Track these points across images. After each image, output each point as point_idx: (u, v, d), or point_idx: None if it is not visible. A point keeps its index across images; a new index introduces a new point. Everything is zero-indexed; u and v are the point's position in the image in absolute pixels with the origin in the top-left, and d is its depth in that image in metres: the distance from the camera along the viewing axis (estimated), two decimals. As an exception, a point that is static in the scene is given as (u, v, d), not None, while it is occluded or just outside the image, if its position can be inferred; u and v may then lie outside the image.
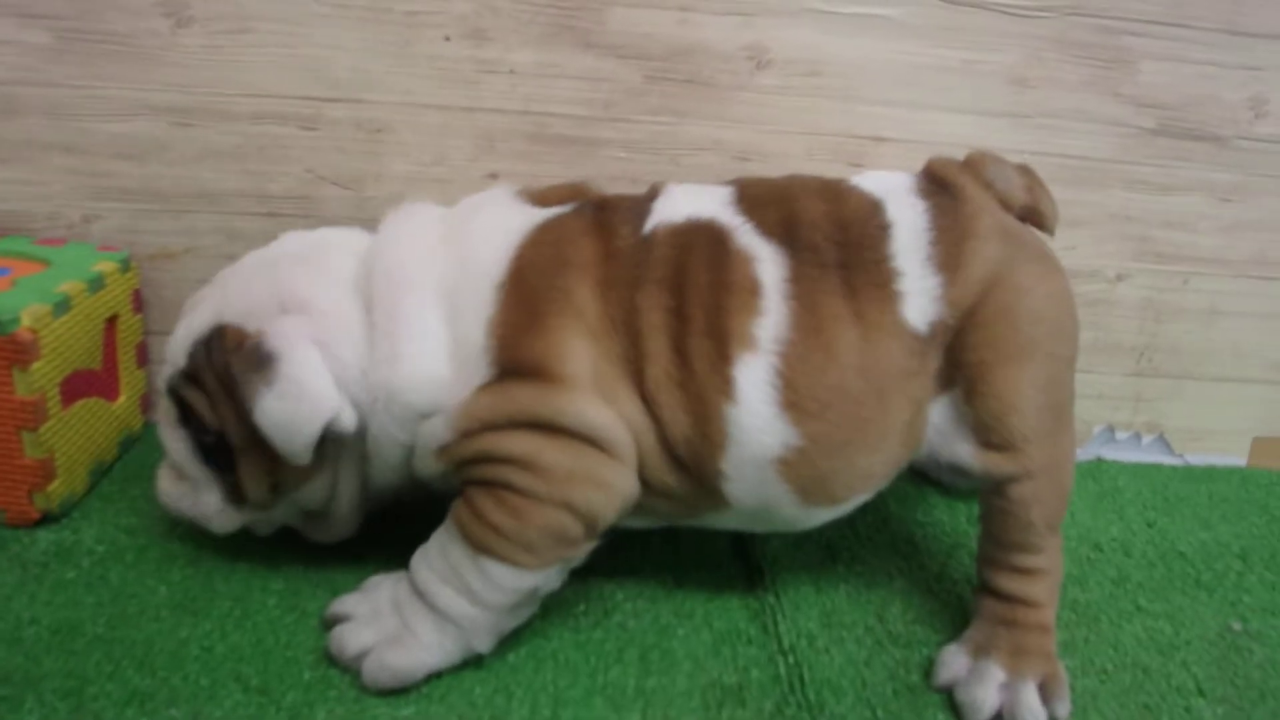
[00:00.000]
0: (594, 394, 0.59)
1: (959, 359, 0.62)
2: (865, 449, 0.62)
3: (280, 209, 0.86)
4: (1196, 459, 1.02)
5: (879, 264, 0.62)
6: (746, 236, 0.63)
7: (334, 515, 0.68)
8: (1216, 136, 0.90)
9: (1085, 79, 0.88)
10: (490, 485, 0.59)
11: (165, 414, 0.67)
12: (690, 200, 0.65)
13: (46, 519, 0.73)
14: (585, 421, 0.58)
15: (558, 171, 0.85)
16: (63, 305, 0.73)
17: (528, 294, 0.60)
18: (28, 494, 0.72)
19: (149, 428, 0.88)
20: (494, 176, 0.86)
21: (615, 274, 0.62)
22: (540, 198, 0.67)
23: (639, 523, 0.67)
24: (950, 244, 0.62)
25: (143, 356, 0.87)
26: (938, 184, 0.66)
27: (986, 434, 0.62)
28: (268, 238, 0.85)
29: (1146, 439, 1.01)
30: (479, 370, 0.59)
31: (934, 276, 0.62)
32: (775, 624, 0.68)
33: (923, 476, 0.90)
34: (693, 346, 0.60)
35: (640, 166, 0.87)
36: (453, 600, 0.60)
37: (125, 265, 0.83)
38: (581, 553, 0.62)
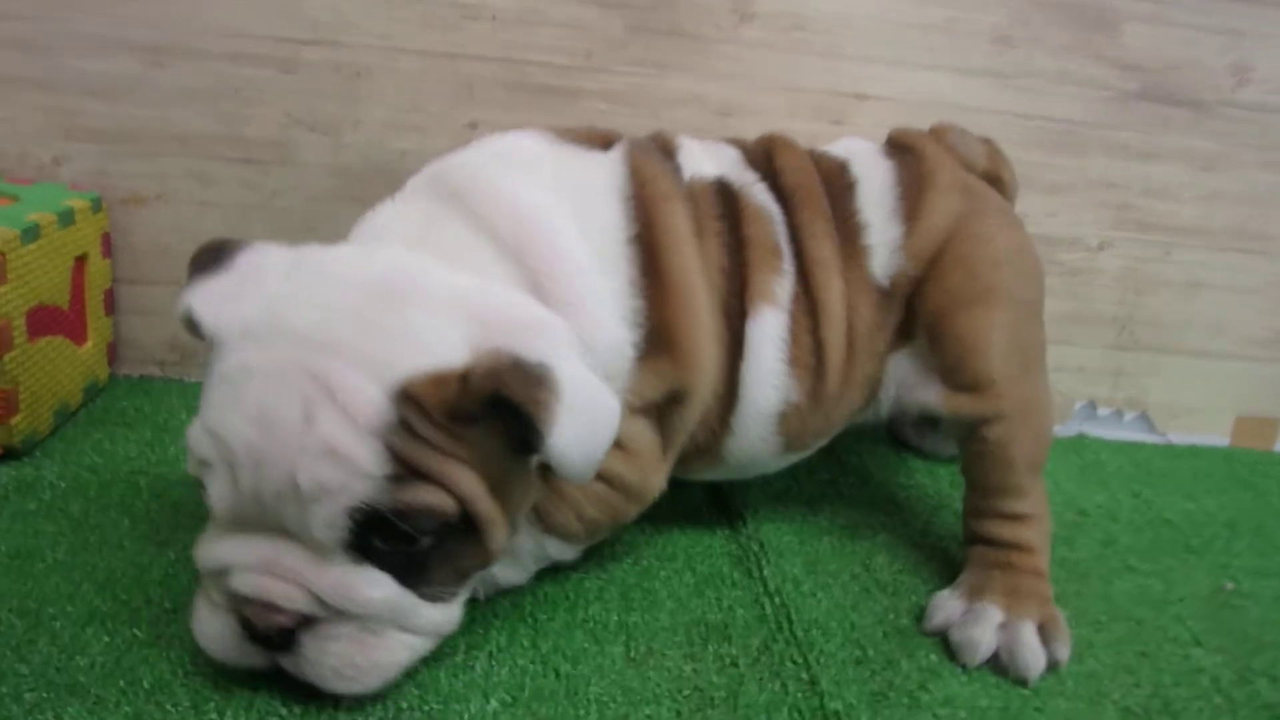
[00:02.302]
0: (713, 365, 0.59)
1: (921, 308, 0.64)
2: (841, 401, 0.64)
3: (255, 154, 0.85)
4: (1179, 437, 1.01)
5: (849, 218, 0.64)
6: (760, 195, 0.64)
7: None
8: (1198, 102, 0.90)
9: (1068, 41, 0.88)
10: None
11: (340, 567, 0.47)
12: (711, 158, 0.65)
13: (8, 455, 0.72)
14: (705, 396, 0.59)
15: (537, 122, 0.84)
16: (31, 232, 0.71)
17: (654, 249, 0.57)
18: (-12, 426, 0.70)
19: (115, 380, 0.87)
20: (473, 126, 0.85)
21: (696, 224, 0.60)
22: (584, 139, 0.62)
23: None
24: (911, 197, 0.64)
25: (110, 304, 0.86)
26: (901, 147, 0.68)
27: (953, 376, 0.63)
28: (242, 184, 0.85)
29: (1128, 416, 1.01)
30: (634, 334, 0.56)
31: (896, 228, 0.64)
32: (760, 569, 0.68)
33: (903, 444, 0.90)
34: (730, 306, 0.61)
35: (620, 120, 0.86)
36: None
37: (97, 205, 0.81)
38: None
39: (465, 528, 0.48)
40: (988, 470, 0.64)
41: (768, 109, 0.87)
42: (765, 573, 0.67)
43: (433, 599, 0.49)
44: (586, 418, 0.47)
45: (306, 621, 0.47)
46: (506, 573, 0.59)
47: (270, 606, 0.46)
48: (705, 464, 0.65)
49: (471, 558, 0.50)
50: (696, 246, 0.59)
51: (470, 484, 0.47)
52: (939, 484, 0.84)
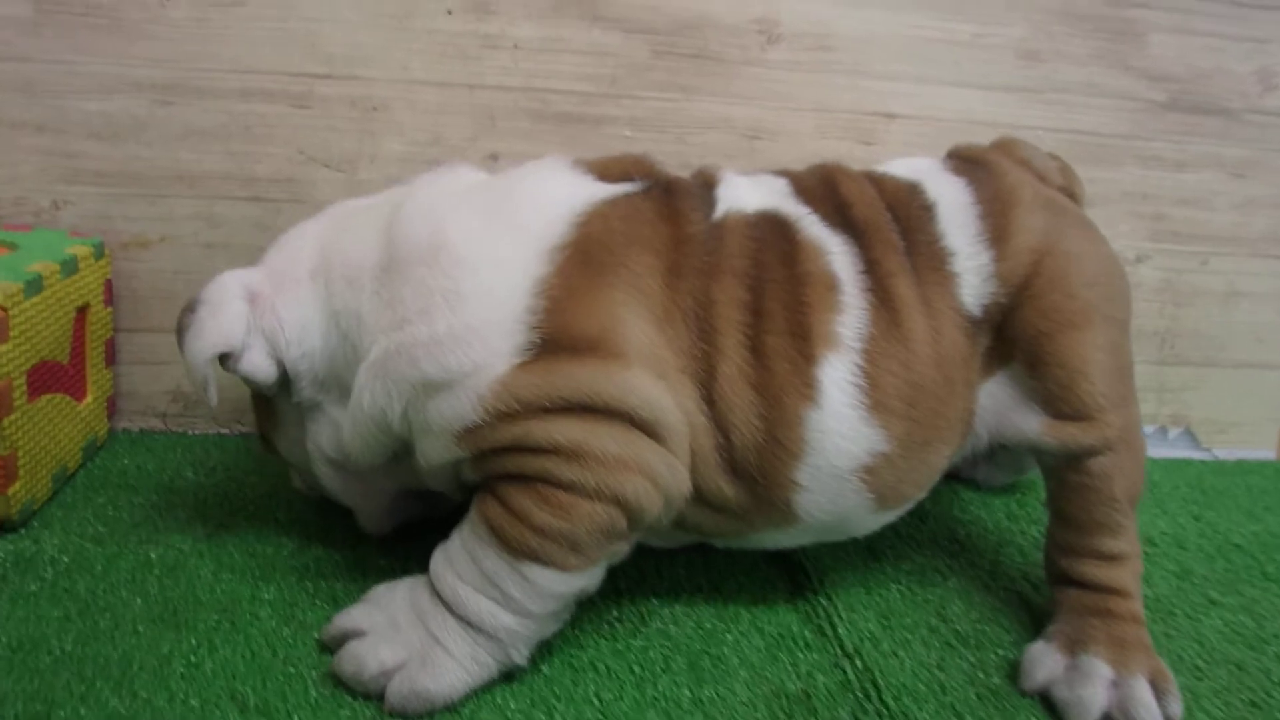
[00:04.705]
0: (653, 375, 0.53)
1: (1015, 333, 0.59)
2: (939, 443, 0.59)
3: (266, 193, 0.81)
4: (1224, 453, 0.99)
5: (931, 245, 0.59)
6: (814, 227, 0.59)
7: (325, 488, 0.64)
8: (1226, 110, 0.90)
9: (1094, 52, 0.87)
10: (528, 480, 0.51)
11: None
12: (755, 190, 0.61)
13: (4, 527, 0.65)
14: (647, 403, 0.51)
15: (561, 152, 0.82)
16: (34, 285, 0.66)
17: (589, 263, 0.53)
18: (-15, 494, 0.64)
19: (114, 435, 0.81)
20: (494, 157, 0.82)
21: (687, 262, 0.56)
22: (601, 170, 0.61)
23: (672, 541, 0.61)
24: (996, 217, 0.60)
25: (111, 355, 0.80)
26: (970, 162, 0.64)
27: (1057, 404, 0.59)
28: (251, 224, 0.81)
29: (1173, 432, 0.98)
30: (515, 338, 0.52)
31: (985, 253, 0.59)
32: (833, 626, 0.62)
33: (952, 474, 0.86)
34: (770, 345, 0.55)
35: (646, 145, 0.84)
36: (490, 611, 0.52)
37: (99, 251, 0.77)
38: (626, 549, 0.55)
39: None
40: (1088, 505, 0.59)
41: (796, 130, 0.85)
42: (840, 631, 0.62)
43: None
44: (189, 342, 0.59)
45: None
46: (504, 616, 0.53)
47: None
48: (777, 524, 0.58)
49: None
50: (664, 275, 0.55)
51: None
52: (996, 517, 0.80)
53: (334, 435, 0.59)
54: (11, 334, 0.63)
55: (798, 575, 0.68)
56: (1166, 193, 0.91)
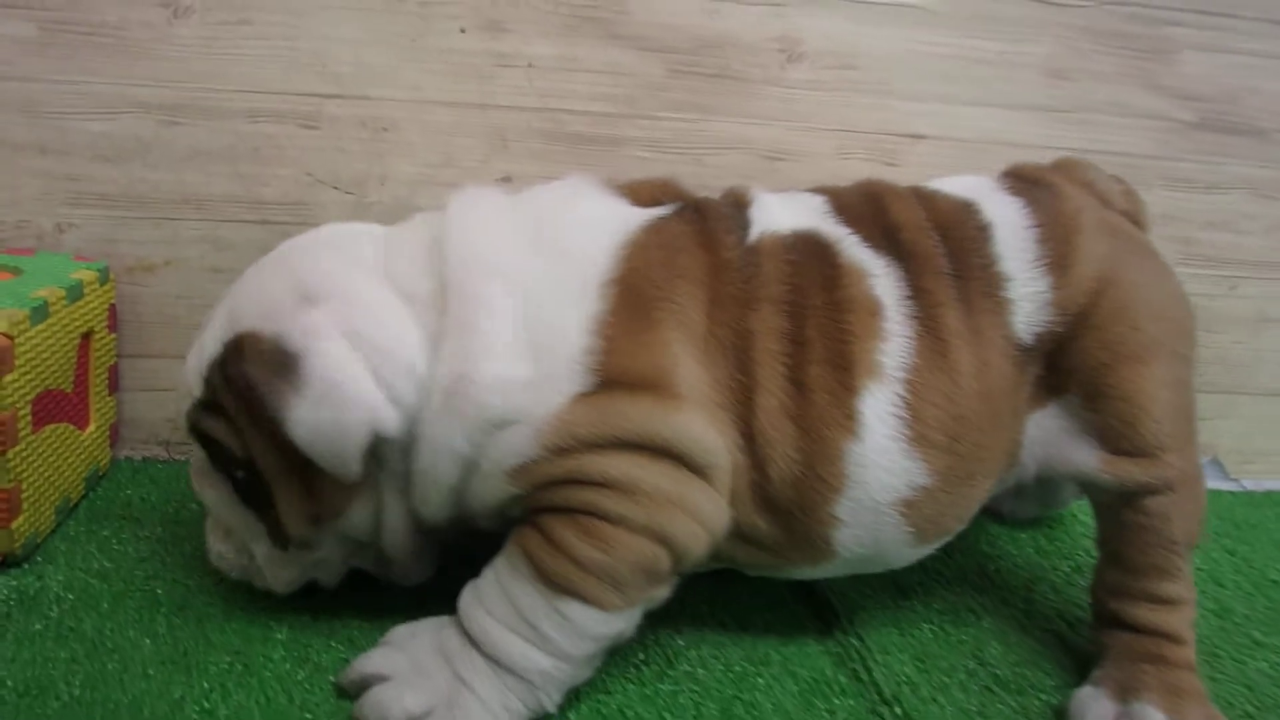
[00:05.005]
0: (705, 414, 0.52)
1: (1072, 364, 0.57)
2: (982, 476, 0.57)
3: (274, 216, 0.79)
4: (1252, 483, 0.96)
5: (985, 269, 0.57)
6: (855, 249, 0.57)
7: (388, 549, 0.58)
8: (1258, 130, 0.88)
9: (1123, 70, 0.85)
10: (573, 513, 0.50)
11: (196, 461, 0.59)
12: (790, 210, 0.59)
13: (6, 562, 0.64)
14: (700, 445, 0.51)
15: (576, 174, 0.80)
16: (40, 311, 0.65)
17: (639, 299, 0.52)
18: (-13, 529, 0.63)
19: (116, 464, 0.79)
20: (507, 179, 0.80)
21: (725, 290, 0.54)
22: (632, 194, 0.59)
23: (699, 567, 0.59)
24: (1055, 241, 0.57)
25: (114, 382, 0.78)
26: (1028, 182, 0.61)
27: (1116, 440, 0.57)
28: (258, 248, 0.78)
29: (1202, 462, 0.96)
30: (573, 375, 0.51)
31: (1042, 279, 0.57)
32: (867, 670, 0.60)
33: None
34: (811, 376, 0.53)
35: (663, 167, 0.81)
36: (523, 652, 0.50)
37: (104, 276, 0.75)
38: (665, 593, 0.54)
39: (263, 484, 0.53)
40: (1144, 546, 0.57)
41: (818, 151, 0.83)
42: (876, 675, 0.60)
43: (269, 535, 0.56)
44: (328, 413, 0.50)
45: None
46: (538, 658, 0.51)
47: None
48: (812, 559, 0.57)
49: (275, 517, 0.54)
50: (705, 306, 0.53)
51: (256, 444, 0.52)
52: (1025, 552, 0.78)
53: (417, 494, 0.55)
54: (17, 363, 0.62)
55: (825, 612, 0.66)
56: (1195, 215, 0.89)
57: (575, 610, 0.50)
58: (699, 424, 0.51)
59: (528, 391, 0.50)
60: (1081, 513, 0.82)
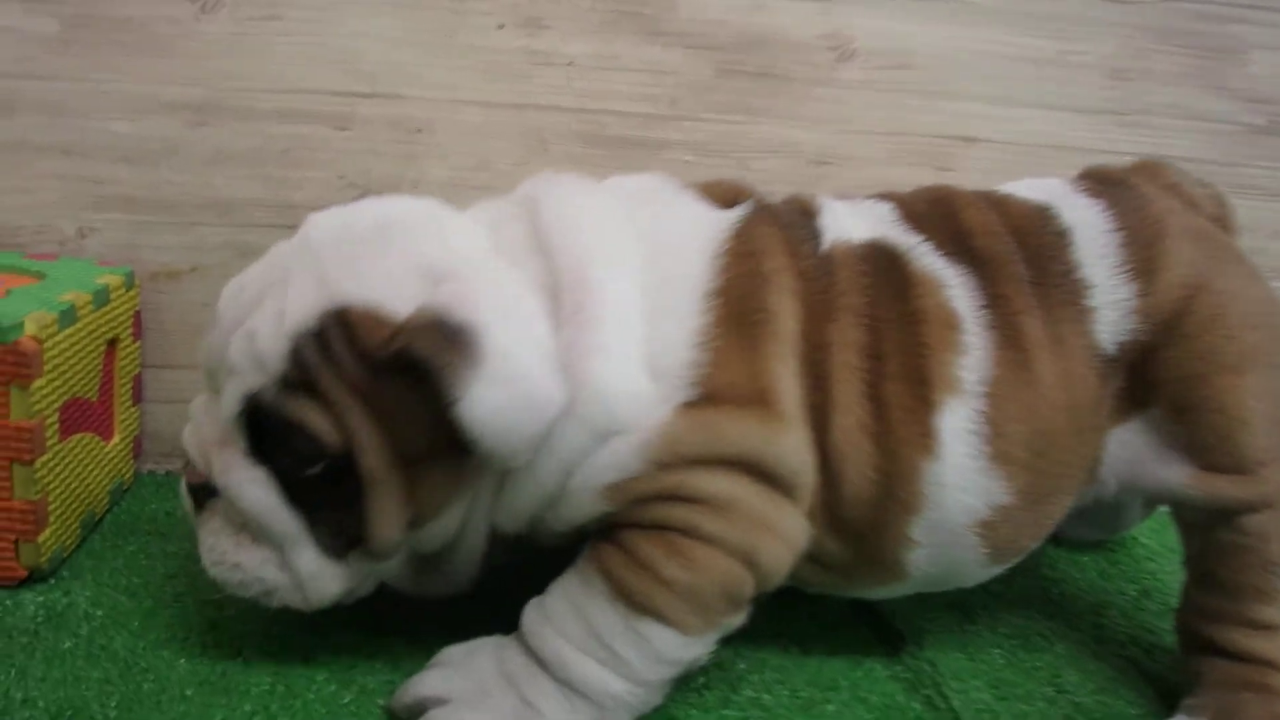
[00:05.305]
0: (805, 435, 0.50)
1: (1159, 375, 0.54)
2: (1061, 494, 0.55)
3: (303, 221, 0.76)
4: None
5: (1065, 276, 0.54)
6: (927, 258, 0.54)
7: (455, 557, 0.53)
8: (1329, 135, 0.84)
9: (1188, 71, 0.81)
10: (662, 530, 0.48)
11: (227, 453, 0.50)
12: (858, 217, 0.57)
13: (33, 577, 0.62)
14: (801, 468, 0.49)
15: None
16: (69, 315, 0.62)
17: (739, 309, 0.50)
18: (13, 545, 0.60)
19: (139, 478, 0.77)
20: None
21: (808, 300, 0.52)
22: (710, 195, 0.57)
23: None
24: (1141, 246, 0.55)
25: (138, 393, 0.76)
26: (1108, 184, 0.59)
27: (1209, 455, 0.54)
28: (288, 253, 0.76)
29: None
30: (679, 387, 0.48)
31: (1126, 286, 0.54)
32: (944, 697, 0.58)
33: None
34: (889, 392, 0.51)
35: (706, 171, 0.78)
36: (596, 675, 0.48)
37: (130, 281, 0.72)
38: (740, 620, 0.52)
39: (351, 479, 0.47)
40: (1241, 567, 0.54)
41: (867, 156, 0.79)
42: (953, 703, 0.57)
43: (318, 542, 0.49)
44: (511, 395, 0.44)
45: (210, 490, 0.51)
46: (611, 681, 0.48)
47: (190, 459, 0.52)
48: (882, 580, 0.55)
49: (353, 521, 0.48)
50: (799, 314, 0.51)
51: (364, 432, 0.46)
52: (1088, 576, 0.75)
53: (508, 500, 0.51)
54: (46, 368, 0.59)
55: (889, 634, 0.64)
56: (1263, 224, 0.85)
57: (655, 632, 0.48)
58: (801, 446, 0.49)
59: (637, 401, 0.48)
60: (1142, 535, 0.80)
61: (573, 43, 0.75)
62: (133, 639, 0.57)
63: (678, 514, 0.48)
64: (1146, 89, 0.81)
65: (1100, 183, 0.59)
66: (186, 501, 0.53)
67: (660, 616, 0.48)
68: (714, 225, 0.53)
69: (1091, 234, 0.55)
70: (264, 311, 0.48)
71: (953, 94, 0.79)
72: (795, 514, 0.50)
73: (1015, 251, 0.54)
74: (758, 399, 0.48)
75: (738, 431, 0.48)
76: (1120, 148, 0.81)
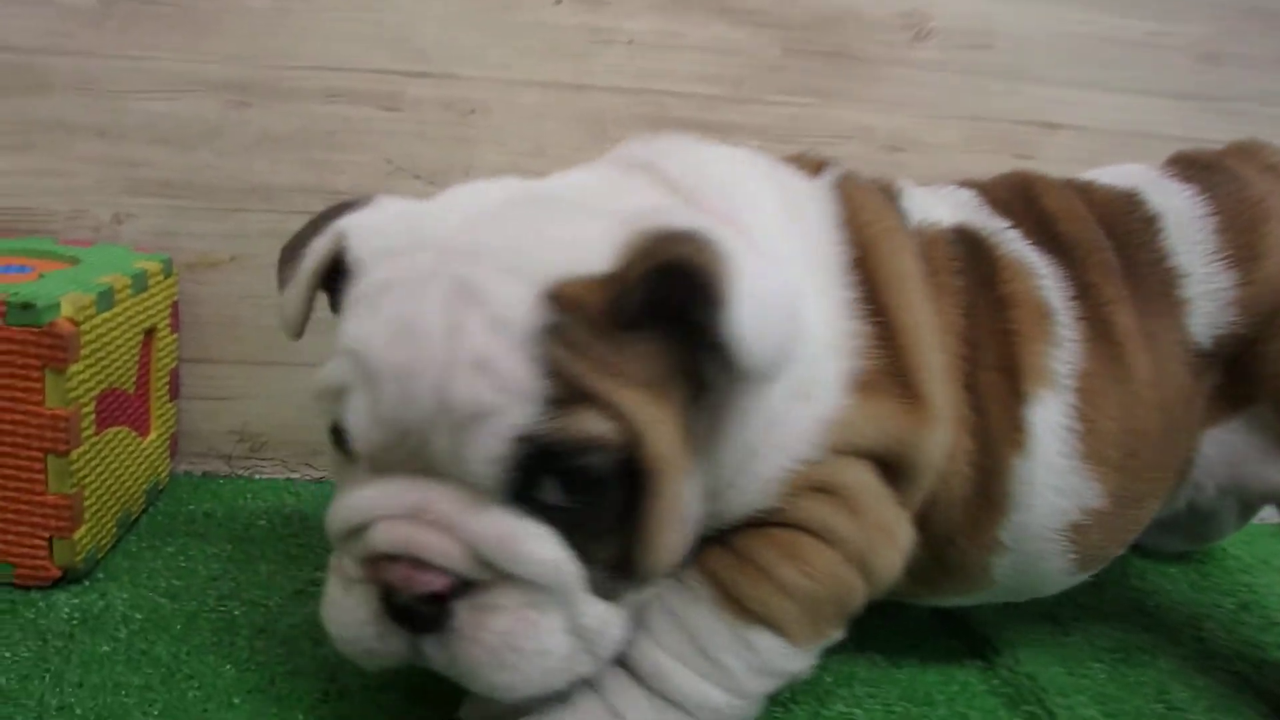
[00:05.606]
0: (949, 432, 0.46)
1: (1261, 371, 0.51)
2: (1152, 498, 0.52)
3: (348, 207, 0.73)
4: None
5: (1156, 265, 0.51)
6: (1014, 244, 0.51)
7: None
8: None
9: (1286, 55, 0.77)
10: (793, 529, 0.44)
11: (496, 514, 0.39)
12: (941, 202, 0.54)
13: (67, 576, 0.58)
14: (933, 465, 0.46)
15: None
16: (106, 298, 0.59)
17: (883, 282, 0.46)
18: (47, 542, 0.57)
19: (175, 478, 0.74)
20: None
21: (929, 269, 0.49)
22: (797, 165, 0.53)
23: None
24: (1240, 232, 0.51)
25: (175, 388, 0.72)
26: (1200, 168, 0.55)
27: None
28: (332, 241, 0.73)
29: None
30: (840, 368, 0.44)
31: (1223, 274, 0.51)
32: (1049, 713, 0.54)
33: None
34: (984, 382, 0.48)
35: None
36: (695, 686, 0.44)
37: (168, 269, 0.69)
38: (840, 634, 0.48)
39: (631, 479, 0.39)
40: None
41: (944, 142, 0.75)
42: (1059, 719, 0.53)
43: (594, 588, 0.40)
44: (761, 293, 0.37)
45: (463, 587, 0.39)
46: (711, 693, 0.45)
47: (419, 564, 0.38)
48: (966, 588, 0.52)
49: (622, 543, 0.40)
50: (927, 290, 0.48)
51: (640, 408, 0.38)
52: (1180, 588, 0.71)
53: (711, 478, 0.45)
54: (83, 352, 0.56)
55: (980, 646, 0.60)
56: (1358, 215, 0.81)
57: (764, 641, 0.45)
58: (944, 440, 0.46)
59: (826, 361, 0.44)
60: (1232, 547, 0.76)
61: (634, 19, 0.71)
62: (175, 644, 0.54)
63: (819, 511, 0.44)
64: (1239, 74, 0.77)
65: (1190, 167, 0.56)
66: (398, 643, 0.40)
67: (771, 624, 0.44)
68: (822, 193, 0.50)
69: (1183, 220, 0.52)
70: (468, 337, 0.37)
71: (1034, 77, 0.75)
72: (906, 518, 0.47)
73: (1102, 239, 0.51)
74: (911, 385, 0.45)
75: (895, 419, 0.44)
76: (1210, 135, 0.77)
